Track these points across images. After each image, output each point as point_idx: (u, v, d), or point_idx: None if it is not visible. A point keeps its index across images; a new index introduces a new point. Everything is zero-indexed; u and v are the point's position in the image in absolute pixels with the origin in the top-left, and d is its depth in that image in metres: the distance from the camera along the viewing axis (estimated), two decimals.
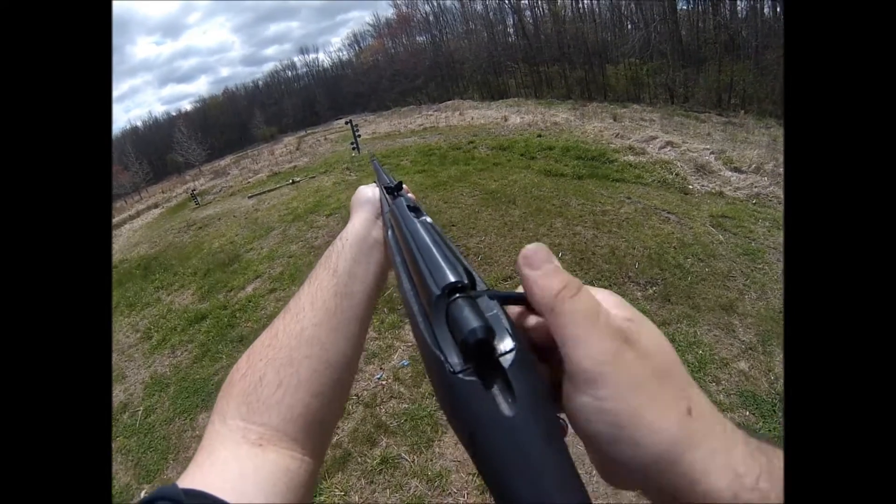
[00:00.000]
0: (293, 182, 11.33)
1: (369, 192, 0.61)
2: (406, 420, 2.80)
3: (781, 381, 2.73)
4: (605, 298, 0.26)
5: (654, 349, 0.24)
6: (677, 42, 21.53)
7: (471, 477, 2.32)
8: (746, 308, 3.53)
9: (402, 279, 0.34)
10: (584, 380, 0.22)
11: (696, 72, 19.90)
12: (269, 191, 11.28)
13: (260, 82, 74.36)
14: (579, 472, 0.18)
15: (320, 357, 0.45)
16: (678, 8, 21.82)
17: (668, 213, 5.41)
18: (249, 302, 5.00)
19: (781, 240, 4.48)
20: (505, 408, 0.18)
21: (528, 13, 30.20)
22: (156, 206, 19.06)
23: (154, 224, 13.41)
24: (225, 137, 59.00)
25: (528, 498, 0.16)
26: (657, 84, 21.28)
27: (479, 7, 34.26)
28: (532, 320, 0.28)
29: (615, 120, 13.21)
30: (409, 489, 2.33)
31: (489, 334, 0.20)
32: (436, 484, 2.33)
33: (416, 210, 0.44)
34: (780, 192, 5.93)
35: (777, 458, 0.21)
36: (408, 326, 3.64)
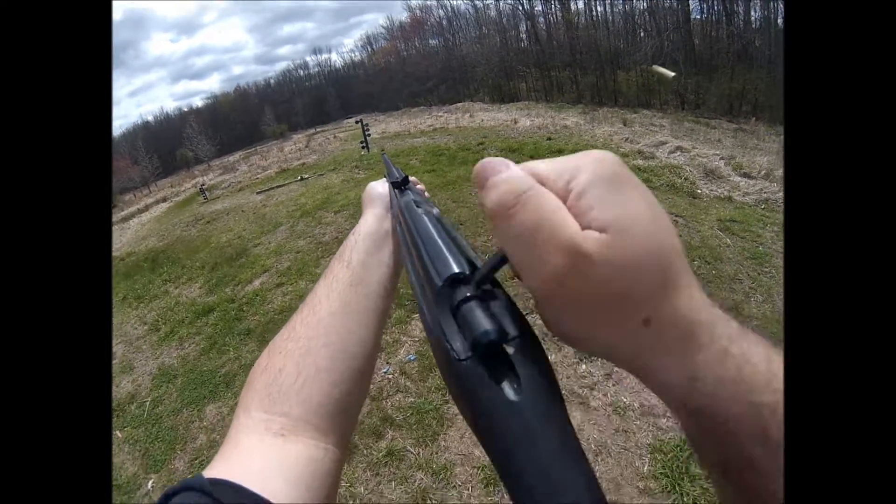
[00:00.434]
0: (302, 179, 11.37)
1: (380, 187, 0.63)
2: (412, 414, 2.80)
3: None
4: (590, 184, 0.21)
5: (620, 258, 0.19)
6: (690, 50, 21.46)
7: (475, 470, 2.32)
8: (752, 311, 3.51)
9: (410, 271, 0.34)
10: (535, 298, 0.23)
11: (707, 79, 19.82)
12: (277, 187, 11.32)
13: (272, 81, 74.84)
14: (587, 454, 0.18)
15: (337, 346, 0.46)
16: (692, 17, 21.79)
17: (676, 216, 5.38)
18: (257, 296, 5.02)
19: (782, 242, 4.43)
20: (510, 393, 0.19)
21: (541, 20, 30.25)
22: (164, 199, 19.19)
23: (162, 218, 13.50)
24: (235, 134, 59.36)
25: (533, 478, 0.17)
26: (668, 91, 21.20)
27: (492, 12, 34.38)
28: None
29: (625, 125, 13.18)
30: (414, 481, 2.33)
31: (501, 336, 0.20)
32: (440, 476, 2.33)
33: (422, 203, 0.45)
34: None
35: (765, 361, 0.19)
36: (414, 322, 3.66)
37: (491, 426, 0.19)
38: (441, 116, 20.46)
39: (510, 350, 0.20)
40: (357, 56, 66.26)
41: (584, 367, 2.88)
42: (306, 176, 11.56)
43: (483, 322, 0.21)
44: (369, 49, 60.95)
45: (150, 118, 70.55)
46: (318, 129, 37.57)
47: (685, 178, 6.88)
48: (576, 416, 2.52)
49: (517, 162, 0.26)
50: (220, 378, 3.74)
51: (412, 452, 2.52)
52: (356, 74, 60.36)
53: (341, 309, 0.48)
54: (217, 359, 4.06)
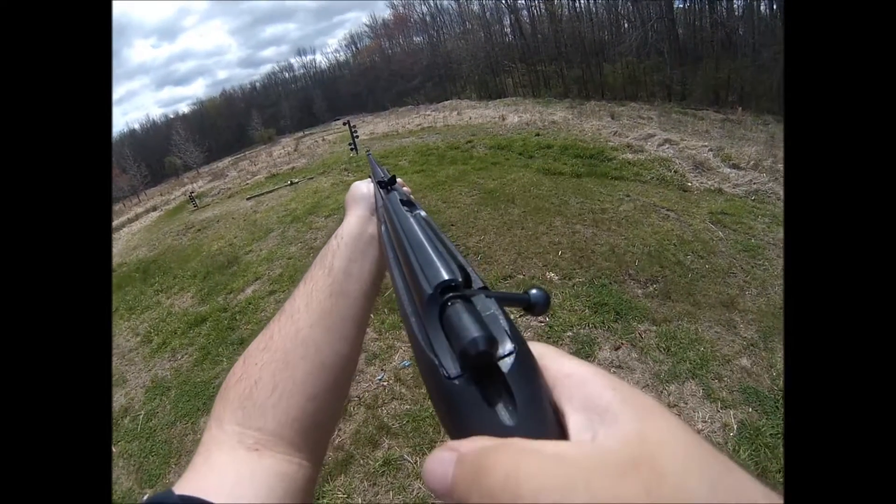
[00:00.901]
0: (291, 183, 11.32)
1: (364, 187, 0.59)
2: (408, 421, 2.79)
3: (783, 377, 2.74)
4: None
5: None
6: (674, 40, 21.57)
7: None
8: (747, 304, 3.53)
9: (396, 277, 0.32)
10: None
11: (693, 70, 19.94)
12: (267, 192, 11.26)
13: (257, 84, 74.74)
14: None
15: (315, 359, 0.44)
16: (675, 7, 21.87)
17: (668, 210, 5.41)
18: (249, 304, 4.99)
19: (781, 236, 4.49)
20: (505, 417, 0.17)
21: (524, 13, 30.28)
22: (154, 209, 19.01)
23: (153, 227, 13.38)
24: (223, 140, 59.08)
25: None
26: (654, 82, 21.31)
27: (475, 7, 34.34)
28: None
29: (613, 118, 13.22)
30: (412, 491, 2.33)
31: (491, 345, 0.18)
32: None
33: (409, 204, 0.43)
34: (779, 189, 5.94)
35: None
36: None
37: None
38: (429, 115, 20.41)
39: (505, 368, 0.18)
40: (342, 56, 66.39)
41: None
42: (296, 180, 11.51)
43: (471, 328, 0.18)
44: (354, 48, 61.02)
45: (137, 126, 70.18)
46: (306, 132, 37.42)
47: (675, 171, 6.92)
48: None
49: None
50: (214, 389, 3.70)
51: (409, 461, 2.51)
52: (342, 75, 60.26)
53: (320, 320, 0.46)
54: (210, 370, 4.03)
